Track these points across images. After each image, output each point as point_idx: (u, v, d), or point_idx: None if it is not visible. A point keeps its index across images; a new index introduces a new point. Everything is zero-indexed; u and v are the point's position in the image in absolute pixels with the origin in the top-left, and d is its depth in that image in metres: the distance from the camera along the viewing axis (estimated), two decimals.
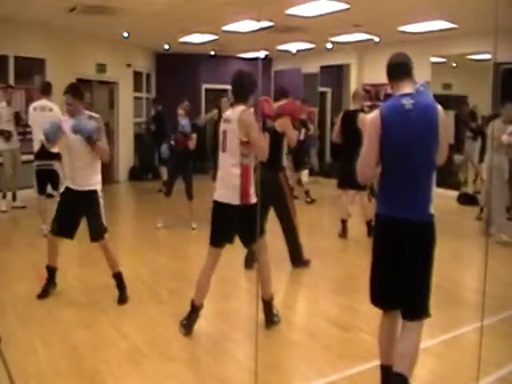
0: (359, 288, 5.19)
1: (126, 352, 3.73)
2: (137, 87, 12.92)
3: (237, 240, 4.08)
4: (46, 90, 6.87)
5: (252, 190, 3.97)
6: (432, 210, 2.90)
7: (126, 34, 10.31)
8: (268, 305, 4.19)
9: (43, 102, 6.73)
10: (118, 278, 4.75)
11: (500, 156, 6.80)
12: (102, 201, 4.65)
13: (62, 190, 4.79)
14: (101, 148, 4.50)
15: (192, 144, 7.37)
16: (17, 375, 2.89)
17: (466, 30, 9.16)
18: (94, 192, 4.61)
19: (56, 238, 4.72)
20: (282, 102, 5.66)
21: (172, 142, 7.43)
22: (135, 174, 12.56)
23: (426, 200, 2.89)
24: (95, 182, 4.63)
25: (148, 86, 13.68)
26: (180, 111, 7.45)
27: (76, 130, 4.34)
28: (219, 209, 4.01)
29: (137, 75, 12.87)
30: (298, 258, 5.71)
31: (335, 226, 7.14)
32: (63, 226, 4.63)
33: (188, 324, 4.02)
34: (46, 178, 6.66)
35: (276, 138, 5.48)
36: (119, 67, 11.95)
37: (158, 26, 9.72)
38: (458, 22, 8.75)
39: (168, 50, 12.48)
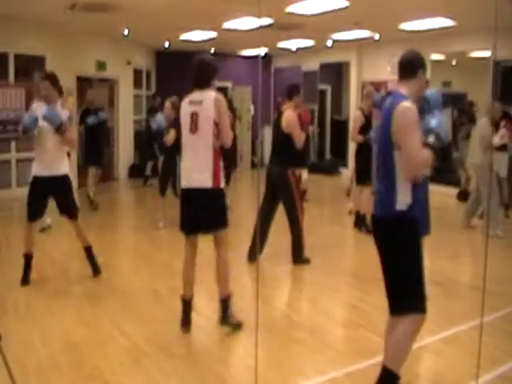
0: (359, 285, 5.20)
1: (126, 349, 3.74)
2: (137, 85, 12.89)
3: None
4: None
5: (222, 174, 3.96)
6: (398, 207, 2.85)
7: (126, 32, 10.30)
8: (224, 303, 4.06)
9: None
10: (88, 251, 5.18)
11: (487, 155, 6.82)
12: (72, 184, 5.06)
13: (30, 179, 5.00)
14: (67, 138, 4.80)
15: (168, 140, 6.93)
16: (17, 372, 2.90)
17: (465, 27, 9.15)
18: (66, 176, 4.96)
19: (32, 224, 4.99)
20: (294, 101, 5.72)
21: (158, 139, 7.16)
22: (135, 172, 12.54)
23: (387, 198, 2.89)
24: (65, 167, 4.98)
25: (148, 84, 13.66)
26: (167, 104, 7.21)
27: (46, 119, 4.65)
28: (188, 195, 3.95)
29: (137, 73, 12.85)
30: (298, 256, 5.74)
31: (335, 223, 7.15)
32: (36, 211, 4.97)
33: (185, 320, 4.02)
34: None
35: (283, 135, 5.52)
36: (119, 65, 11.94)
37: (158, 24, 9.71)
38: (457, 20, 8.74)
39: (168, 47, 12.46)
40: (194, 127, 3.88)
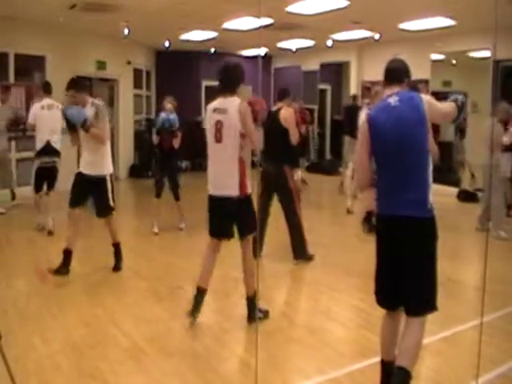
0: (359, 285, 5.20)
1: (127, 349, 3.74)
2: (137, 84, 12.89)
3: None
4: (48, 89, 7.02)
5: (248, 181, 3.98)
6: (430, 205, 2.90)
7: (126, 32, 10.28)
8: (251, 300, 4.14)
9: (48, 100, 6.88)
10: (117, 247, 5.44)
11: (496, 154, 6.81)
12: (110, 185, 5.16)
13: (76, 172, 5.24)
14: (93, 133, 4.93)
15: (176, 143, 6.92)
16: (17, 372, 2.89)
17: (465, 27, 9.15)
18: (102, 178, 5.11)
19: (76, 214, 5.16)
20: (285, 102, 5.86)
21: (155, 139, 7.00)
22: (135, 172, 12.55)
23: (420, 196, 2.92)
24: (102, 169, 5.13)
25: (148, 84, 13.66)
26: (168, 105, 7.00)
27: (66, 118, 4.97)
28: (217, 203, 4.00)
29: (137, 72, 12.85)
30: (302, 252, 5.77)
31: (335, 223, 7.15)
32: (78, 199, 5.16)
33: (194, 308, 4.06)
34: (45, 177, 6.81)
35: (281, 132, 5.55)
36: (119, 64, 11.94)
37: (158, 24, 9.71)
38: (457, 19, 8.74)
39: (168, 47, 12.45)
40: (219, 136, 3.88)
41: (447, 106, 3.10)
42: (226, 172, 3.90)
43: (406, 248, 2.92)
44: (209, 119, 3.96)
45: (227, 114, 3.83)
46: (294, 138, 5.57)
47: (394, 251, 2.98)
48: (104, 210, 5.23)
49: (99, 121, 4.99)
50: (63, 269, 5.11)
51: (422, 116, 2.91)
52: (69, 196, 5.20)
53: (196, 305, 4.07)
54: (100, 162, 5.13)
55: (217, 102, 3.95)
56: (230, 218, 3.98)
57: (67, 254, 5.15)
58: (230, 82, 3.93)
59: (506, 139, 6.83)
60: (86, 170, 5.13)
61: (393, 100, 2.96)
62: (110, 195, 5.19)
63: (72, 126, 5.00)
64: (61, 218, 5.53)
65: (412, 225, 2.90)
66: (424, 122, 2.93)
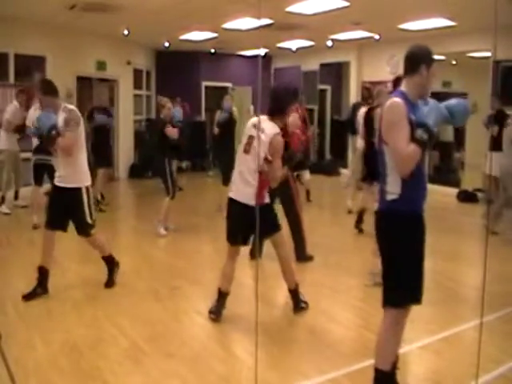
0: (359, 285, 5.20)
1: (126, 349, 3.74)
2: (137, 85, 12.90)
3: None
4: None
5: (266, 193, 4.19)
6: (389, 197, 2.87)
7: (126, 32, 10.30)
8: (294, 293, 4.41)
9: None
10: (108, 259, 4.92)
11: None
12: (86, 198, 4.59)
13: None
14: (59, 144, 4.41)
15: (173, 133, 6.90)
16: (17, 372, 2.89)
17: (465, 27, 9.15)
18: (77, 190, 4.56)
19: (51, 233, 4.67)
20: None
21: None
22: (135, 172, 12.55)
23: (381, 191, 2.94)
24: (77, 180, 4.57)
25: (148, 84, 13.67)
26: (168, 104, 7.11)
27: (36, 126, 4.47)
28: (235, 207, 4.12)
29: (137, 73, 12.85)
30: (301, 253, 5.79)
31: (335, 223, 7.15)
32: (55, 220, 4.65)
33: (217, 310, 4.20)
34: (43, 170, 6.79)
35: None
36: (119, 65, 11.94)
37: (157, 24, 9.71)
38: (457, 20, 8.75)
39: (168, 47, 12.47)
40: (248, 149, 4.09)
41: (401, 150, 2.73)
42: (246, 182, 4.08)
43: (378, 240, 3.02)
44: (246, 130, 4.18)
45: (263, 135, 4.00)
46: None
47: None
48: (81, 227, 4.66)
49: (70, 128, 4.42)
50: (39, 289, 4.61)
51: (380, 129, 2.86)
52: (45, 215, 4.79)
53: (219, 307, 4.23)
54: (73, 174, 4.55)
55: (259, 119, 4.16)
56: (247, 225, 4.00)
57: (43, 272, 4.65)
58: (276, 108, 4.12)
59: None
60: (59, 182, 4.61)
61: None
62: (86, 210, 4.60)
63: (40, 134, 4.53)
64: None
65: (377, 217, 3.03)
66: (379, 134, 2.87)
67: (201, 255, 6.38)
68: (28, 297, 4.54)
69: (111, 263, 4.97)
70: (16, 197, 8.48)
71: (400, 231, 2.87)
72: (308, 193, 9.74)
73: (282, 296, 5.12)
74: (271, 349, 3.74)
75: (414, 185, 2.84)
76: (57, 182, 4.63)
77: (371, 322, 4.15)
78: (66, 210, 4.60)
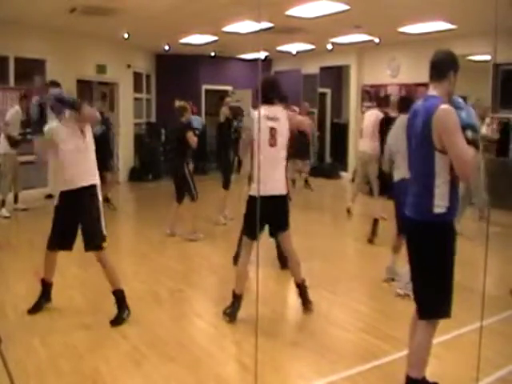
0: (359, 288, 5.20)
1: (126, 352, 3.73)
2: (137, 88, 12.92)
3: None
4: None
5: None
6: (436, 210, 2.84)
7: (126, 35, 10.32)
8: (301, 288, 4.53)
9: None
10: (118, 295, 4.27)
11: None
12: (100, 201, 4.21)
13: (55, 202, 4.29)
14: (84, 108, 4.00)
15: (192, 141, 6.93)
16: (17, 375, 2.89)
17: (465, 30, 9.17)
18: (91, 188, 4.14)
19: (55, 256, 4.39)
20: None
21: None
22: (135, 175, 12.57)
23: (423, 202, 2.89)
24: (92, 175, 4.19)
25: (148, 87, 13.68)
26: (187, 107, 7.20)
27: (58, 99, 4.01)
28: (268, 201, 4.12)
29: (137, 76, 12.87)
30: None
31: (335, 227, 7.14)
32: (60, 239, 4.29)
33: (232, 312, 4.28)
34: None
35: None
36: (119, 68, 11.96)
37: (158, 27, 9.73)
38: (457, 23, 8.76)
39: (168, 50, 12.48)
40: (274, 142, 4.27)
41: (466, 153, 2.72)
42: (277, 172, 4.29)
43: (414, 250, 3.02)
44: (262, 126, 4.23)
45: (279, 122, 4.28)
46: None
47: (409, 253, 3.04)
48: (93, 238, 4.14)
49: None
50: (42, 299, 4.44)
51: (425, 135, 2.81)
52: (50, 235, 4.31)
53: (234, 310, 4.30)
54: (87, 170, 4.17)
55: (267, 111, 4.25)
56: (279, 214, 4.33)
57: (46, 285, 4.45)
58: (274, 95, 4.37)
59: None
60: (68, 185, 4.17)
61: (417, 104, 2.94)
62: (101, 215, 4.16)
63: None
64: None
65: (417, 228, 2.99)
66: (426, 142, 2.82)
67: (201, 258, 6.38)
68: (33, 310, 4.37)
69: (121, 300, 4.29)
70: (15, 200, 8.50)
71: (447, 243, 2.90)
72: (307, 181, 9.93)
73: (283, 299, 5.12)
74: (271, 352, 3.74)
75: (457, 195, 2.88)
76: (64, 187, 4.17)
77: (371, 325, 4.15)
78: (74, 219, 4.17)
